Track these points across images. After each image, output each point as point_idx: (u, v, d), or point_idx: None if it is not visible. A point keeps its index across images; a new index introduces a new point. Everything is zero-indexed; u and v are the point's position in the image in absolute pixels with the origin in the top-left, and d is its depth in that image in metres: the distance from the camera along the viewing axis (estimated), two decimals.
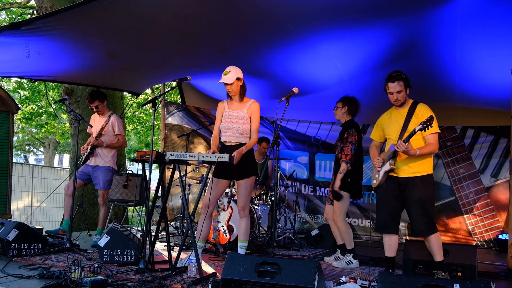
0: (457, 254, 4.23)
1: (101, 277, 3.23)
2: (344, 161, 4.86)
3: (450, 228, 7.39)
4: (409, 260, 4.35)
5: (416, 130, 3.71)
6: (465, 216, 7.35)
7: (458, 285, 2.62)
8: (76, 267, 3.21)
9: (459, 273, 4.21)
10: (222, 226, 5.53)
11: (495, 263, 5.65)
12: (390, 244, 4.01)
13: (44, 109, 14.08)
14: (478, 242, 7.17)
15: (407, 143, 3.74)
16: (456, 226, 7.37)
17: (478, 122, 7.34)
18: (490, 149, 7.33)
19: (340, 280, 3.78)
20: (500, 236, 6.89)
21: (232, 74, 4.23)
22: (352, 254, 5.00)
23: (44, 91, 12.68)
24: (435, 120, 3.83)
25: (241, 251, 4.28)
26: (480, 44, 5.30)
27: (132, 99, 8.36)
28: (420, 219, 3.86)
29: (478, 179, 7.33)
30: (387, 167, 3.93)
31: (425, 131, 3.70)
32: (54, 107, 12.65)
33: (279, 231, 6.54)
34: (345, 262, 4.97)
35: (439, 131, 3.94)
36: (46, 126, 15.07)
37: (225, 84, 4.27)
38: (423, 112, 3.88)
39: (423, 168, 3.91)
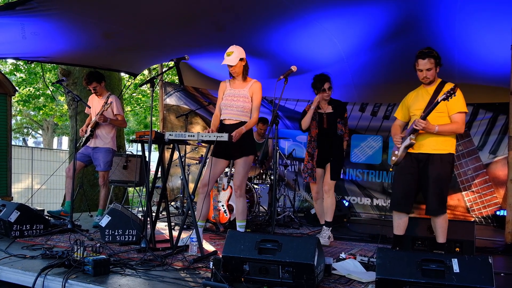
0: (456, 230, 4.27)
1: (104, 256, 3.25)
2: (346, 140, 5.01)
3: (449, 205, 7.43)
4: (408, 237, 4.39)
5: (439, 100, 3.58)
6: (463, 192, 7.40)
7: (456, 260, 2.65)
8: (79, 247, 3.23)
9: (458, 249, 4.26)
10: (222, 206, 5.56)
11: (493, 238, 5.71)
12: (399, 223, 3.99)
13: (41, 91, 14.00)
14: (476, 219, 7.24)
15: (425, 121, 3.65)
16: (455, 203, 7.43)
17: (477, 99, 7.33)
18: (489, 126, 7.33)
19: (340, 257, 3.83)
20: (498, 212, 6.95)
21: (235, 55, 4.19)
22: (330, 228, 5.00)
23: (41, 73, 12.60)
24: (462, 99, 3.73)
25: (240, 230, 4.30)
26: (480, 20, 5.25)
27: (130, 80, 8.32)
28: (435, 198, 3.80)
29: (477, 156, 7.36)
30: (407, 141, 3.84)
31: (448, 100, 3.55)
32: (51, 89, 12.60)
33: (279, 210, 6.58)
34: (327, 237, 4.92)
35: (467, 110, 3.78)
36: (44, 108, 15.00)
37: (228, 65, 4.24)
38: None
39: (444, 146, 3.79)
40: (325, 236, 4.90)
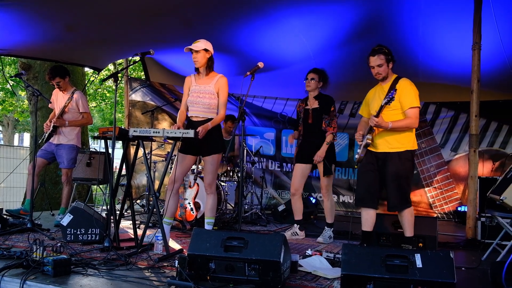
0: (419, 226, 4.35)
1: (64, 256, 3.14)
2: (332, 133, 4.98)
3: (412, 201, 7.56)
4: (373, 233, 4.45)
5: (382, 105, 3.69)
6: (426, 189, 7.59)
7: (419, 255, 2.70)
8: (38, 247, 3.11)
9: (421, 244, 4.35)
10: (189, 203, 5.50)
11: (454, 234, 5.86)
12: (367, 219, 4.03)
13: (0, 86, 13.49)
14: (439, 214, 7.43)
15: (377, 118, 3.72)
16: (418, 199, 7.60)
17: (439, 98, 7.52)
18: (451, 124, 7.54)
19: (306, 253, 3.84)
20: (459, 208, 7.16)
21: (201, 44, 4.15)
22: (332, 229, 5.10)
23: (0, 67, 12.12)
24: (414, 94, 3.80)
25: (208, 227, 4.27)
26: (442, 20, 5.38)
27: (94, 75, 8.11)
28: (394, 194, 3.87)
29: (439, 153, 7.56)
30: (365, 141, 3.92)
31: (389, 104, 3.66)
32: (11, 84, 12.15)
33: (246, 207, 6.56)
34: (328, 237, 5.03)
35: (420, 105, 3.85)
36: (3, 104, 14.47)
37: (192, 52, 4.17)
38: (403, 87, 3.81)
39: (401, 144, 3.86)
40: (326, 235, 5.02)
